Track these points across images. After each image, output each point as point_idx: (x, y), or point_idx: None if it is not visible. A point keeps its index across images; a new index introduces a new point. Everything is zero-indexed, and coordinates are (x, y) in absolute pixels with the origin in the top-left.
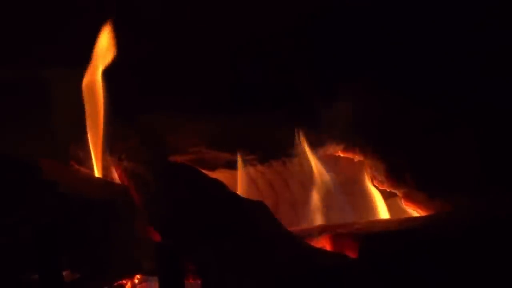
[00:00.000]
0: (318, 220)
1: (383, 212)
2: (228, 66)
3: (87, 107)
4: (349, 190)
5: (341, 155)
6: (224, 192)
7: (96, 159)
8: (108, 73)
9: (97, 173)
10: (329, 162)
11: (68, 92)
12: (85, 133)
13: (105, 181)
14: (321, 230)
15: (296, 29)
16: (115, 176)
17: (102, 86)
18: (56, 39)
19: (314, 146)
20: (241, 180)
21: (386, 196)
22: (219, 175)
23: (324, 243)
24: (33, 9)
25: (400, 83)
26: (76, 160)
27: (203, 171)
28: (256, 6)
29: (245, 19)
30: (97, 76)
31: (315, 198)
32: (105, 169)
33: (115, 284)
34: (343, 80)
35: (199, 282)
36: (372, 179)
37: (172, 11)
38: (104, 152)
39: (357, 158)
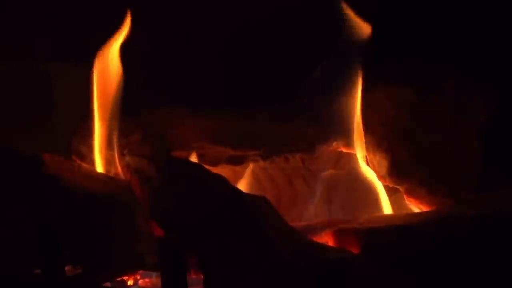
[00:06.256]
0: (321, 215)
1: (386, 207)
2: (231, 61)
3: (97, 100)
4: (351, 186)
5: (344, 150)
6: (226, 187)
7: (99, 153)
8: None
9: (99, 168)
10: (331, 157)
11: (69, 86)
12: (87, 127)
13: (107, 176)
14: (324, 226)
15: (300, 23)
16: (119, 171)
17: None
18: (57, 32)
19: (317, 141)
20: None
21: (391, 191)
22: (221, 170)
23: (326, 239)
24: (34, 2)
25: (404, 79)
26: (78, 155)
27: (205, 166)
28: (259, 3)
29: (248, 14)
30: (112, 66)
31: (318, 193)
32: (108, 164)
33: (117, 279)
34: (346, 75)
35: (201, 277)
36: (375, 174)
37: (175, 6)
38: (107, 146)
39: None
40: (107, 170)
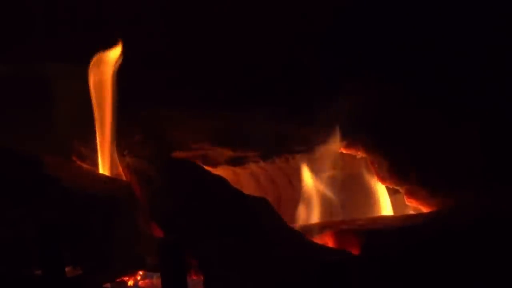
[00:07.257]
0: (321, 216)
1: (387, 208)
2: (231, 62)
3: (95, 103)
4: (352, 187)
5: (344, 151)
6: (226, 189)
7: (103, 155)
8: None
9: (104, 170)
10: (332, 158)
11: (70, 88)
12: (88, 129)
13: (108, 177)
14: (324, 227)
15: (298, 26)
16: (119, 171)
17: (112, 82)
18: (57, 33)
19: (316, 142)
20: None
21: (391, 192)
22: (221, 171)
23: (326, 240)
24: (35, 3)
25: (404, 78)
26: (79, 156)
27: (206, 167)
28: (260, 5)
29: (249, 17)
30: (107, 72)
31: (318, 194)
32: (113, 165)
33: (117, 280)
34: (346, 76)
35: (201, 278)
36: (375, 175)
37: (176, 9)
38: (111, 148)
39: (360, 154)
40: (112, 172)
